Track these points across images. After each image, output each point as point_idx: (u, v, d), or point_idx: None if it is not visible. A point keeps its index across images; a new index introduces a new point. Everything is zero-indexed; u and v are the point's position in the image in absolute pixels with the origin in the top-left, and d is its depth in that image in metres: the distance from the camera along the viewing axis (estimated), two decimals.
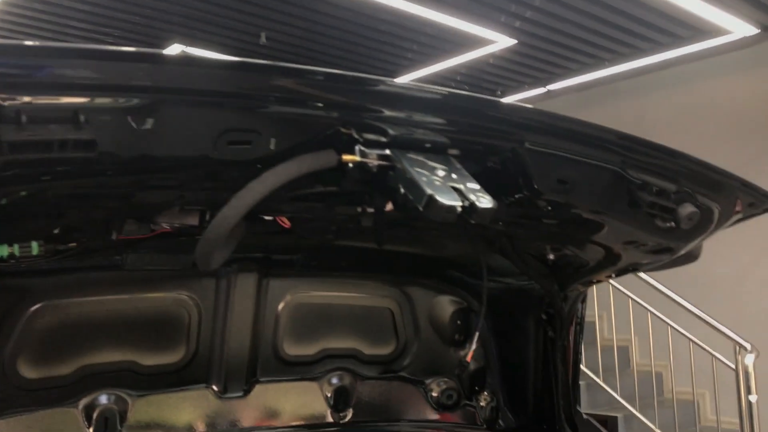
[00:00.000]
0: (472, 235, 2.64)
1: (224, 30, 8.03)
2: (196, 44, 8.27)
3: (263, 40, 8.20)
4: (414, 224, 2.49)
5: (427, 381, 3.20)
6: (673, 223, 2.16)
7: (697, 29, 7.59)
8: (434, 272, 3.15)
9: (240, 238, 2.03)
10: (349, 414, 3.06)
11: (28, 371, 2.47)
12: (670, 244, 2.42)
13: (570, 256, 2.69)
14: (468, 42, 8.16)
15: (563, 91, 9.69)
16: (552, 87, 9.65)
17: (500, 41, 8.05)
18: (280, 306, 2.89)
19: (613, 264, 2.62)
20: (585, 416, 7.55)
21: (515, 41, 8.04)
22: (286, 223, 2.30)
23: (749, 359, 5.95)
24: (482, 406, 3.22)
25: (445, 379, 3.20)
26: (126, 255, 2.49)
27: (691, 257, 2.70)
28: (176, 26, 7.92)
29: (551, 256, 2.73)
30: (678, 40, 7.94)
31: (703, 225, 2.28)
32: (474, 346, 2.98)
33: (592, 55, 8.50)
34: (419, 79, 9.16)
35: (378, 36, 8.21)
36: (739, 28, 7.47)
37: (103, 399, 2.59)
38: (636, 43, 8.07)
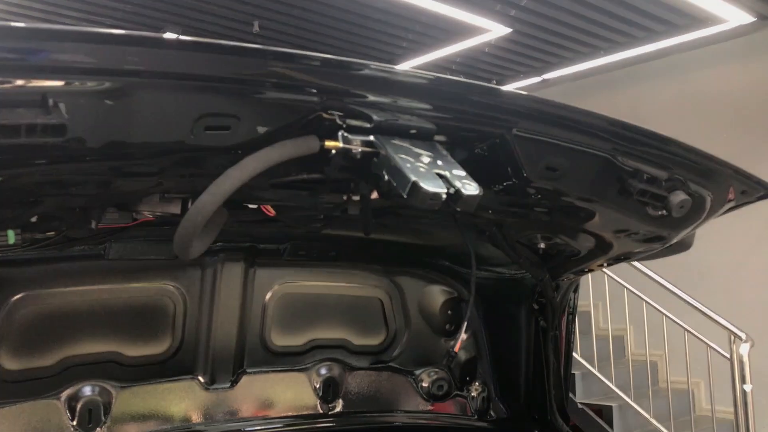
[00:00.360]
0: (461, 224, 2.61)
1: (217, 18, 7.97)
2: (189, 33, 8.20)
3: (256, 28, 8.14)
4: (402, 212, 2.45)
5: (418, 371, 3.18)
6: (664, 211, 2.13)
7: (692, 17, 7.54)
8: (424, 262, 3.12)
9: (221, 226, 1.99)
10: (338, 405, 3.03)
11: (9, 362, 2.43)
12: (662, 233, 2.38)
13: (561, 245, 2.67)
14: (463, 31, 8.11)
15: (559, 80, 9.66)
16: (547, 76, 9.61)
17: (495, 30, 8.00)
18: (268, 296, 2.86)
19: (604, 253, 2.59)
20: (580, 405, 7.57)
21: (510, 30, 7.98)
22: (270, 211, 2.26)
23: (744, 349, 5.94)
24: (473, 396, 3.21)
25: (436, 370, 3.18)
26: (109, 244, 2.45)
27: (684, 246, 2.68)
28: (168, 15, 7.86)
29: (542, 245, 2.70)
30: (674, 29, 7.89)
31: (695, 213, 2.25)
32: (462, 336, 2.95)
33: (587, 43, 8.45)
34: (414, 69, 9.11)
35: (372, 25, 8.15)
36: (734, 16, 7.43)
37: (87, 390, 2.56)
38: (632, 32, 8.03)
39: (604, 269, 6.87)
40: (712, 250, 7.25)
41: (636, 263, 6.47)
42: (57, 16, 7.84)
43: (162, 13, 7.81)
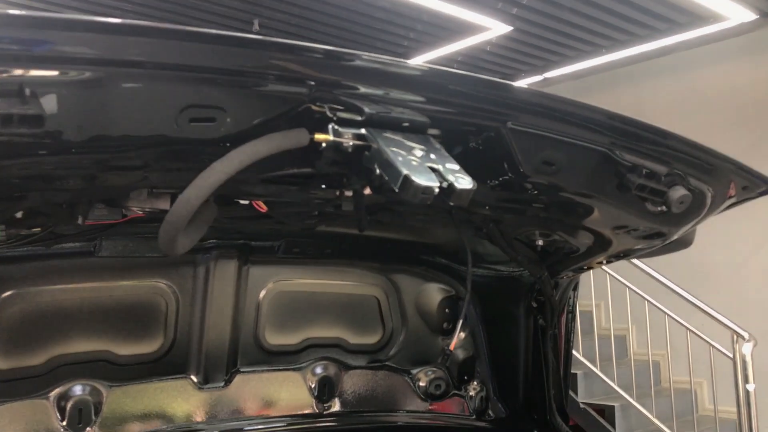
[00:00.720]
0: (458, 220, 2.57)
1: (216, 17, 7.95)
2: None
3: (256, 27, 8.11)
4: (398, 209, 2.41)
5: (415, 370, 3.14)
6: (664, 207, 2.08)
7: (695, 15, 7.51)
8: (421, 259, 3.08)
9: (210, 222, 1.95)
10: (334, 404, 2.99)
11: None
12: (662, 229, 2.34)
13: (559, 242, 2.62)
14: (464, 29, 8.08)
15: (560, 79, 9.63)
16: (549, 74, 9.58)
17: (496, 28, 7.97)
18: (262, 294, 2.82)
19: (603, 250, 2.54)
20: (582, 405, 7.53)
21: (511, 28, 7.95)
22: (262, 207, 2.22)
23: (747, 348, 5.91)
24: (471, 396, 3.17)
25: (433, 369, 3.14)
26: (99, 241, 2.42)
27: (684, 243, 2.63)
28: (167, 13, 7.84)
29: (540, 242, 2.65)
30: (676, 27, 7.86)
31: (696, 209, 2.20)
32: (458, 335, 2.91)
33: (589, 42, 8.42)
34: None
35: (374, 23, 8.13)
36: (737, 14, 7.39)
37: (77, 390, 2.52)
38: (633, 30, 7.99)
39: (606, 268, 6.84)
40: (715, 248, 7.22)
41: (638, 262, 6.44)
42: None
43: (162, 12, 7.79)
